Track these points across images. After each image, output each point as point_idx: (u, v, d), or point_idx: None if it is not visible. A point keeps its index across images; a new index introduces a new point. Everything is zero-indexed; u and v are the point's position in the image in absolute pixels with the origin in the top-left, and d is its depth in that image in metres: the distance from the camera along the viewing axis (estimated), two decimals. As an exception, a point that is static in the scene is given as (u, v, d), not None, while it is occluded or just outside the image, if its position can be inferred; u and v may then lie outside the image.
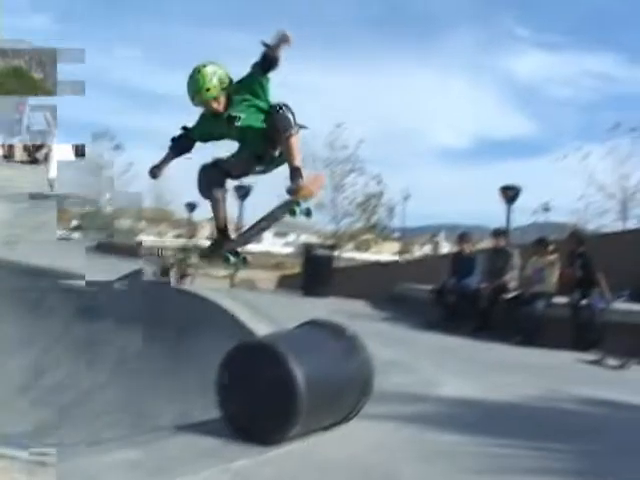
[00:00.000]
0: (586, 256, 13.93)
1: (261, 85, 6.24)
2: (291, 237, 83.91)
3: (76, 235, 29.22)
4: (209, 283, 23.40)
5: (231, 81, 6.23)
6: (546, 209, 38.54)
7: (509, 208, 25.99)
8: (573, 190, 36.77)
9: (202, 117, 6.43)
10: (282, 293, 20.74)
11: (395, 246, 66.42)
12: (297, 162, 6.14)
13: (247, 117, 6.21)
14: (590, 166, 36.15)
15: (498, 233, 15.83)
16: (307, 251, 21.52)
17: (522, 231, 34.13)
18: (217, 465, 4.81)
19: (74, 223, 33.02)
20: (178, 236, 62.62)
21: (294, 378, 5.30)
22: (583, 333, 12.80)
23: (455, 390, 8.31)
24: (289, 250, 62.53)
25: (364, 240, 44.97)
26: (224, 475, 4.71)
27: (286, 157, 6.19)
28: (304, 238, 57.42)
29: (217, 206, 6.52)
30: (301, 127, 6.12)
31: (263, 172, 6.57)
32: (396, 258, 41.99)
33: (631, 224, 34.70)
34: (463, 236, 16.14)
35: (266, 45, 6.09)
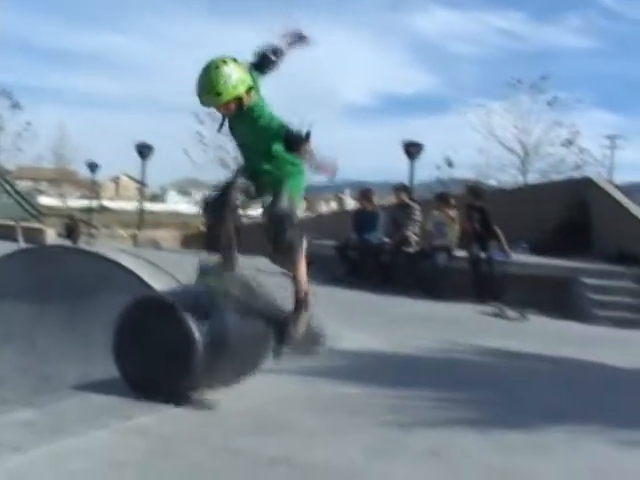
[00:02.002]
0: (484, 210, 14.18)
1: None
2: (197, 196, 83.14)
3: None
4: (112, 243, 23.11)
5: (250, 86, 5.49)
6: (449, 164, 39.11)
7: (412, 164, 26.25)
8: (475, 146, 37.25)
9: None
10: (186, 252, 20.57)
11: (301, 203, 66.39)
12: (304, 289, 5.64)
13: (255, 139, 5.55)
14: (491, 122, 36.83)
15: (400, 188, 15.95)
16: (210, 209, 21.33)
17: (426, 187, 34.51)
18: (116, 423, 4.77)
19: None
20: (81, 197, 61.64)
21: (191, 333, 5.28)
22: (483, 285, 13.07)
23: (357, 343, 8.39)
24: (194, 209, 62.04)
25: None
26: (123, 433, 4.67)
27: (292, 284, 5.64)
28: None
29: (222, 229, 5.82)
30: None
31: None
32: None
33: (531, 179, 35.53)
34: (365, 192, 16.21)
35: (275, 51, 5.66)
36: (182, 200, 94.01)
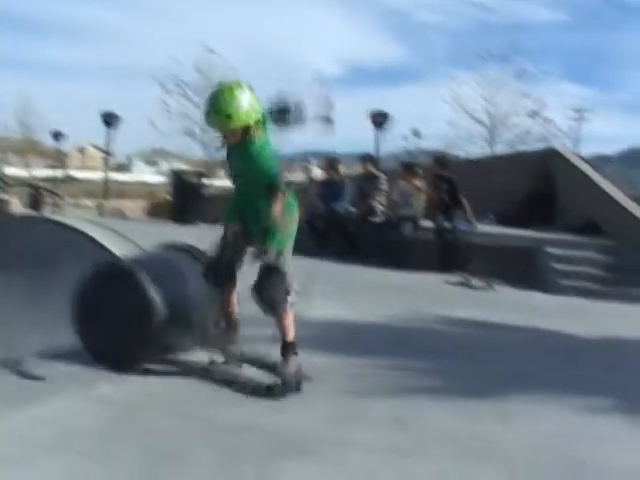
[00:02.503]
0: (451, 180, 14.20)
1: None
2: (163, 166, 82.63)
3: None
4: (78, 212, 22.96)
5: (260, 120, 5.26)
6: (416, 135, 39.16)
7: (379, 134, 26.25)
8: (443, 117, 37.34)
9: None
10: (151, 221, 20.51)
11: (267, 173, 66.17)
12: (289, 337, 5.39)
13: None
14: (460, 93, 36.87)
15: (366, 158, 15.90)
16: (176, 178, 21.25)
17: (395, 158, 34.51)
18: (79, 391, 4.76)
19: None
20: (47, 167, 61.11)
21: (150, 299, 5.26)
22: (448, 255, 13.11)
23: (324, 312, 8.38)
24: (161, 179, 61.73)
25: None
26: (86, 401, 4.66)
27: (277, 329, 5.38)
28: (176, 167, 56.93)
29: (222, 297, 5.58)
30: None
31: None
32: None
33: (498, 150, 35.64)
34: (332, 162, 16.13)
35: (293, 108, 5.32)
36: (149, 170, 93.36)
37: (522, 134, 36.78)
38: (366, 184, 15.10)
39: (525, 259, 12.82)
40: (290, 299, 5.34)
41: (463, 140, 37.91)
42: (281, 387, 5.15)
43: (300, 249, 14.99)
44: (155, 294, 5.28)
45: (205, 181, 24.22)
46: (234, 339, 5.54)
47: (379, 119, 25.90)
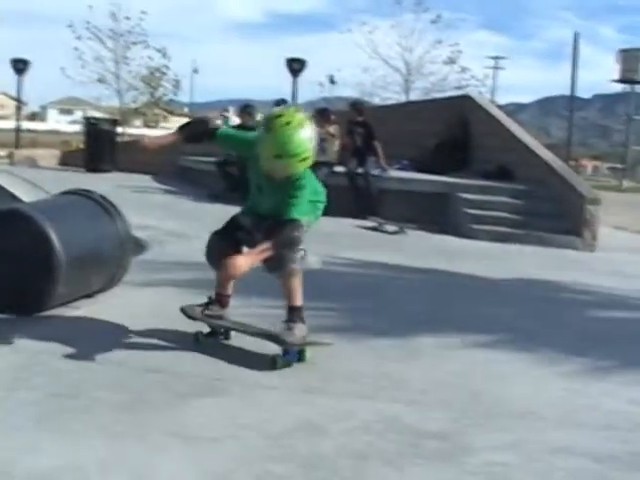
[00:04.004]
0: (367, 125, 14.23)
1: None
2: (78, 114, 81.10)
3: None
4: (-13, 161, 22.47)
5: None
6: (332, 82, 39.09)
7: (295, 81, 26.08)
8: (360, 65, 37.29)
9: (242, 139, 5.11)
10: (65, 170, 20.13)
11: (185, 121, 65.58)
12: (297, 300, 4.82)
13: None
14: (376, 40, 36.82)
15: (280, 104, 15.82)
16: (89, 126, 20.88)
17: (311, 105, 34.41)
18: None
19: None
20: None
21: (52, 244, 5.16)
22: (361, 200, 13.17)
23: (236, 257, 8.37)
24: (76, 128, 60.52)
25: (153, 116, 44.22)
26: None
27: (283, 293, 4.84)
28: (90, 115, 56.07)
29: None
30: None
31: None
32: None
33: (414, 97, 35.76)
34: (246, 107, 16.03)
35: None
36: (63, 119, 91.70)
37: (438, 82, 36.93)
38: (280, 130, 15.02)
39: (438, 204, 12.94)
40: (300, 258, 4.74)
41: (379, 87, 37.98)
42: (284, 357, 4.68)
43: (212, 195, 15.05)
44: (57, 237, 5.18)
45: (119, 129, 23.89)
46: (222, 313, 5.08)
47: (295, 66, 25.68)
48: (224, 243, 4.92)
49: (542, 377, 4.89)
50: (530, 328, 6.24)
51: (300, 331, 4.72)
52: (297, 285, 4.77)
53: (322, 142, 14.38)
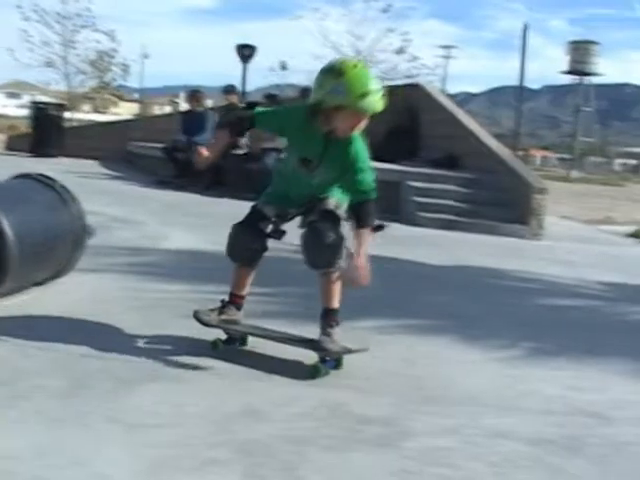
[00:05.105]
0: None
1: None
2: (25, 98, 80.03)
3: None
4: None
5: None
6: (283, 68, 39.06)
7: (245, 67, 26.00)
8: (310, 51, 37.37)
9: (288, 113, 4.81)
10: (10, 154, 19.91)
11: (135, 107, 65.15)
12: (335, 303, 4.60)
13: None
14: (326, 27, 36.83)
15: (229, 90, 15.78)
16: (36, 110, 20.67)
17: (262, 91, 34.35)
18: None
19: None
20: None
21: (4, 241, 5.08)
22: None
23: (182, 243, 8.37)
24: (23, 112, 59.79)
25: (102, 101, 43.84)
26: None
27: (320, 293, 4.63)
28: (38, 99, 55.30)
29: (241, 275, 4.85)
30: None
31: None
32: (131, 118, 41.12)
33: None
34: (194, 93, 15.99)
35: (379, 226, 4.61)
36: (10, 103, 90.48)
37: (389, 70, 37.01)
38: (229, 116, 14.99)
39: (387, 192, 12.93)
40: (344, 258, 4.52)
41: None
42: (324, 366, 4.44)
43: (161, 181, 15.00)
44: (6, 222, 5.09)
45: (67, 114, 23.66)
46: (239, 317, 4.80)
47: (245, 52, 25.60)
48: (248, 236, 4.66)
49: (482, 363, 4.95)
50: (471, 314, 6.31)
51: (338, 336, 4.51)
52: (338, 286, 4.57)
53: (271, 128, 14.39)
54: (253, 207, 4.73)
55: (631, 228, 14.47)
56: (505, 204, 12.46)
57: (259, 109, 4.62)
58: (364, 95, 4.17)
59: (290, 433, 3.52)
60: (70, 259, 5.82)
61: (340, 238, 4.48)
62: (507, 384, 4.56)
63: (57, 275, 5.80)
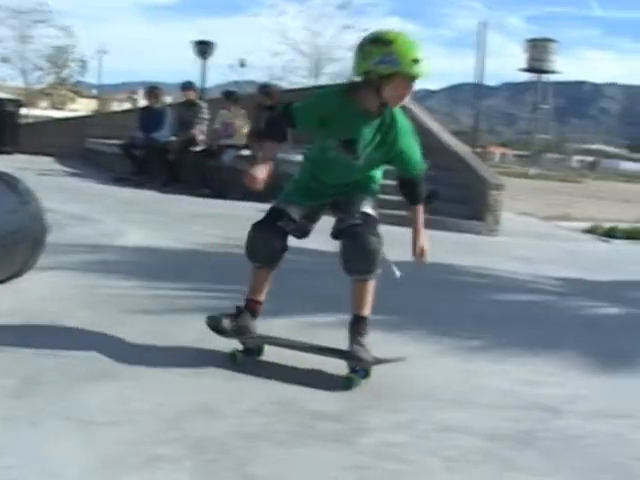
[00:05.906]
0: (274, 110, 14.23)
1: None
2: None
3: None
4: None
5: None
6: (242, 65, 39.02)
7: (203, 63, 25.97)
8: (268, 48, 37.38)
9: (333, 99, 4.39)
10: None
11: (93, 104, 64.65)
12: (368, 310, 4.47)
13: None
14: (284, 24, 36.86)
15: (187, 86, 15.72)
16: (-9, 106, 20.46)
17: (221, 88, 34.27)
18: None
19: None
20: None
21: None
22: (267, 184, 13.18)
23: (139, 240, 8.32)
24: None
25: (59, 97, 43.52)
26: None
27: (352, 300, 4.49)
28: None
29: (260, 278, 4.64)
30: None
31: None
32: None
33: (323, 81, 35.88)
34: (152, 89, 15.92)
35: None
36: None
37: (347, 67, 37.07)
38: (187, 112, 14.99)
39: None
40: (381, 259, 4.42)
41: (289, 71, 38.03)
42: (357, 375, 4.32)
43: (118, 178, 14.92)
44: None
45: (23, 110, 23.44)
46: (254, 325, 4.60)
47: (203, 48, 25.57)
48: (267, 234, 4.47)
49: (437, 358, 4.97)
50: (426, 310, 6.35)
51: (370, 345, 4.36)
52: (373, 293, 4.46)
53: (229, 125, 14.38)
54: (272, 207, 4.53)
55: (588, 224, 14.62)
56: (462, 201, 12.52)
57: (296, 105, 4.39)
58: (416, 61, 4.12)
59: (242, 429, 3.51)
60: (29, 260, 5.77)
61: (381, 244, 4.39)
62: (462, 379, 4.59)
63: (16, 275, 5.75)
